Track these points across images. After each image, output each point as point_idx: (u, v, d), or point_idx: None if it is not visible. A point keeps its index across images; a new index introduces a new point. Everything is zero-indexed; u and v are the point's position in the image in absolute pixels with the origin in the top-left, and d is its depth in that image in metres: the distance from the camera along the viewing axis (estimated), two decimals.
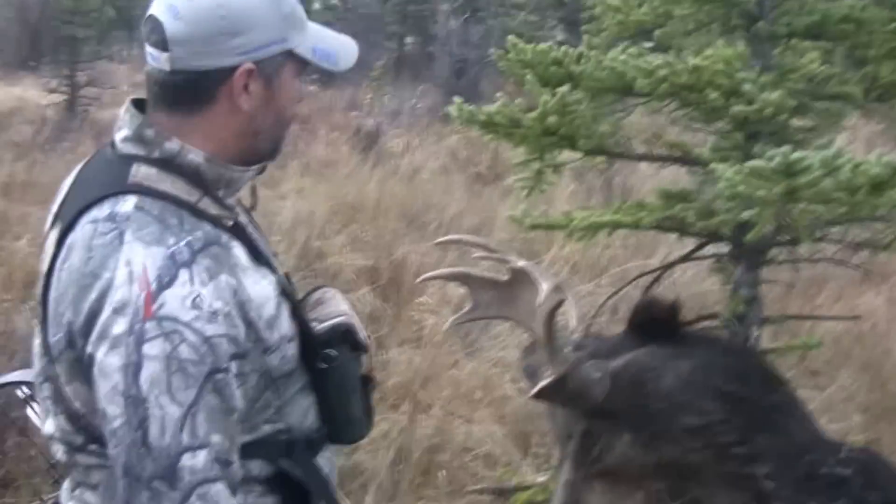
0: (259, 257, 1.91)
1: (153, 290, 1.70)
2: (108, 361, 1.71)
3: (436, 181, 11.53)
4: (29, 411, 3.07)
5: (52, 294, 1.83)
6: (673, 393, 2.83)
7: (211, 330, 1.71)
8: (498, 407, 5.28)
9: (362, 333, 2.10)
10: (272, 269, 1.93)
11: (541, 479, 3.62)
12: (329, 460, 2.07)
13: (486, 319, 4.71)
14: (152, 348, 1.68)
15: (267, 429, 1.92)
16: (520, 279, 2.95)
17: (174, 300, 1.70)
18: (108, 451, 1.76)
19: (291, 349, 1.91)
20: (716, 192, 3.29)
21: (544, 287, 2.76)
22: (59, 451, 1.96)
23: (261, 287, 1.84)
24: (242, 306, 1.79)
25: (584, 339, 3.32)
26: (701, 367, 2.89)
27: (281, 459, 1.94)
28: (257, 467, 1.91)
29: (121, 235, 1.76)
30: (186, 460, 1.69)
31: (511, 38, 3.64)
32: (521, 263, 2.95)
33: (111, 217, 1.79)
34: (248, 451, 1.85)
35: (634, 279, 4.18)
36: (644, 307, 3.12)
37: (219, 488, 1.72)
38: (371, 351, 2.16)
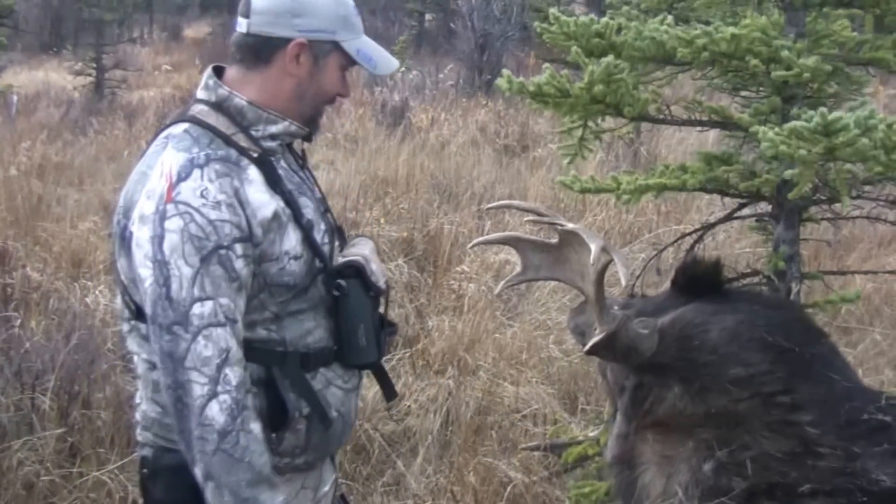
0: (276, 188, 2.35)
1: (173, 182, 2.23)
2: (139, 234, 2.23)
3: (465, 154, 11.60)
4: None
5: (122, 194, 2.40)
6: (719, 345, 2.94)
7: (214, 215, 2.21)
8: (543, 368, 5.38)
9: (376, 276, 2.49)
10: (293, 206, 2.38)
11: (592, 433, 3.72)
12: (341, 377, 2.47)
13: (535, 281, 4.80)
14: (171, 224, 2.20)
15: (262, 333, 2.35)
16: (569, 241, 3.04)
17: (187, 190, 2.22)
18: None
19: (295, 266, 2.35)
20: (757, 153, 3.39)
21: (594, 248, 2.84)
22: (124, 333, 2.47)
23: (261, 196, 2.31)
24: (241, 203, 2.26)
25: (629, 299, 3.44)
26: (745, 320, 2.98)
27: (274, 367, 2.35)
28: (253, 370, 2.31)
29: (166, 146, 2.32)
30: (196, 308, 2.18)
31: (553, 11, 3.76)
32: (571, 226, 3.03)
33: (167, 136, 2.36)
34: (246, 353, 2.28)
35: (676, 240, 4.28)
36: (688, 266, 3.22)
37: (220, 332, 2.20)
38: (389, 295, 2.59)
